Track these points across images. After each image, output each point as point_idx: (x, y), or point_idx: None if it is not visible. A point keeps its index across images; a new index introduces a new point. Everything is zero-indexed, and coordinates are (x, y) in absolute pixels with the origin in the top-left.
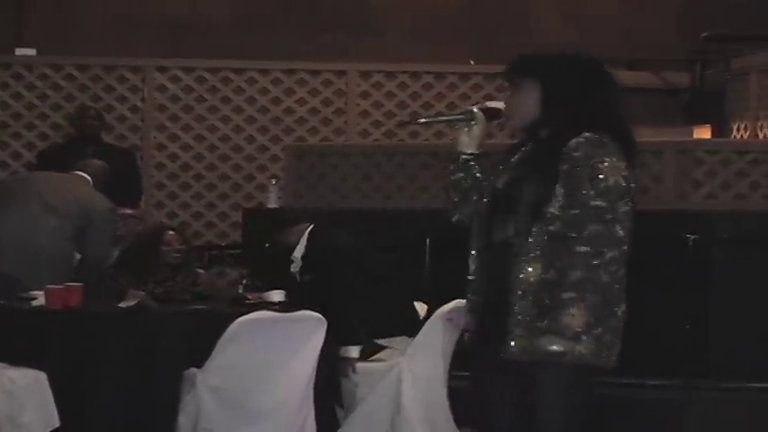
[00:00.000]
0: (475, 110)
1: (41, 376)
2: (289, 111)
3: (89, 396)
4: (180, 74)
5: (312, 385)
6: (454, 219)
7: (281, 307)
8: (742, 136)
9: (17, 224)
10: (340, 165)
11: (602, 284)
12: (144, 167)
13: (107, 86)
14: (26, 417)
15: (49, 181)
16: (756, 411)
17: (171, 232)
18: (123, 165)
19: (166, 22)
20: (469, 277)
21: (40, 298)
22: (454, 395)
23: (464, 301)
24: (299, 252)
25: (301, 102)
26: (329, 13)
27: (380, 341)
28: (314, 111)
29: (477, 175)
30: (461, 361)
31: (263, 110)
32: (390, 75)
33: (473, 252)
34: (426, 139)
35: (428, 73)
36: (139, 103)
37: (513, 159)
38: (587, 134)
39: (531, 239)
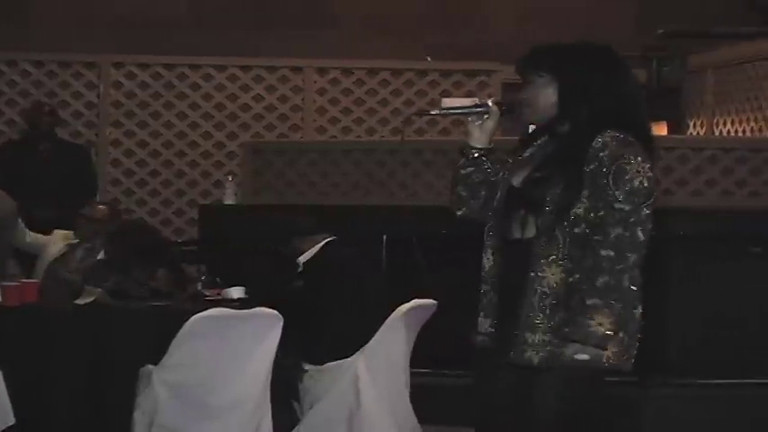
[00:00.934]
0: (490, 103)
1: None
2: (245, 107)
3: (44, 393)
4: (135, 70)
5: (269, 381)
6: (459, 213)
7: (240, 304)
8: (698, 133)
9: None
10: (297, 161)
11: (624, 289)
12: (99, 164)
13: (62, 82)
14: None
15: None
16: (713, 408)
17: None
18: (78, 161)
19: (122, 18)
20: (483, 276)
21: None
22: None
23: (423, 300)
24: (304, 258)
25: (258, 98)
26: (285, 8)
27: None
28: (270, 107)
29: (488, 170)
30: (463, 360)
31: (220, 106)
32: (347, 71)
33: (488, 251)
34: (383, 137)
35: (385, 69)
36: (95, 100)
37: (526, 155)
38: (612, 133)
39: (553, 241)
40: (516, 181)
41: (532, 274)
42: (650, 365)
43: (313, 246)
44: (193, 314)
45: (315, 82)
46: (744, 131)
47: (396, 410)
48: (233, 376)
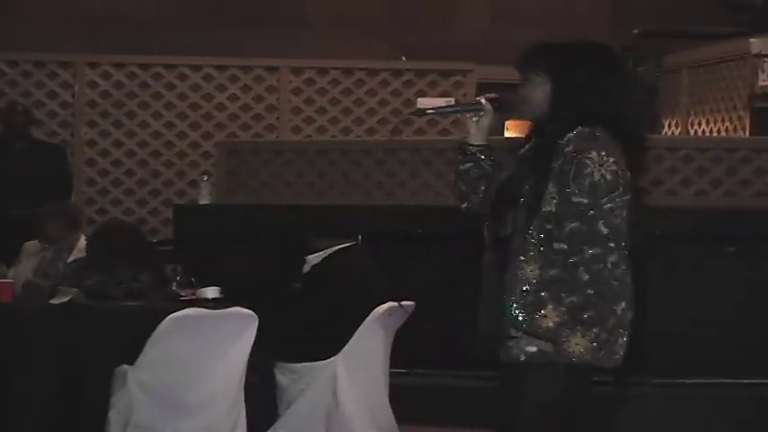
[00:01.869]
0: (483, 101)
1: None
2: (220, 107)
3: (19, 392)
4: (111, 69)
5: (243, 381)
6: (463, 207)
7: (216, 304)
8: (673, 132)
9: None
10: (272, 161)
11: (583, 283)
12: (74, 163)
13: (38, 82)
14: None
15: None
16: (689, 408)
17: None
18: (53, 161)
19: (98, 17)
20: (483, 273)
21: None
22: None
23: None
24: (315, 259)
25: (233, 98)
26: (261, 8)
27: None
28: (246, 107)
29: (487, 166)
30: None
31: (195, 106)
32: (322, 71)
33: (487, 248)
34: (358, 136)
35: (360, 69)
36: (70, 99)
37: (521, 152)
38: (580, 128)
39: (528, 237)
40: (504, 178)
41: (513, 271)
42: (626, 365)
43: (328, 246)
44: (168, 314)
45: (290, 82)
46: (719, 131)
47: (374, 410)
48: (208, 375)
